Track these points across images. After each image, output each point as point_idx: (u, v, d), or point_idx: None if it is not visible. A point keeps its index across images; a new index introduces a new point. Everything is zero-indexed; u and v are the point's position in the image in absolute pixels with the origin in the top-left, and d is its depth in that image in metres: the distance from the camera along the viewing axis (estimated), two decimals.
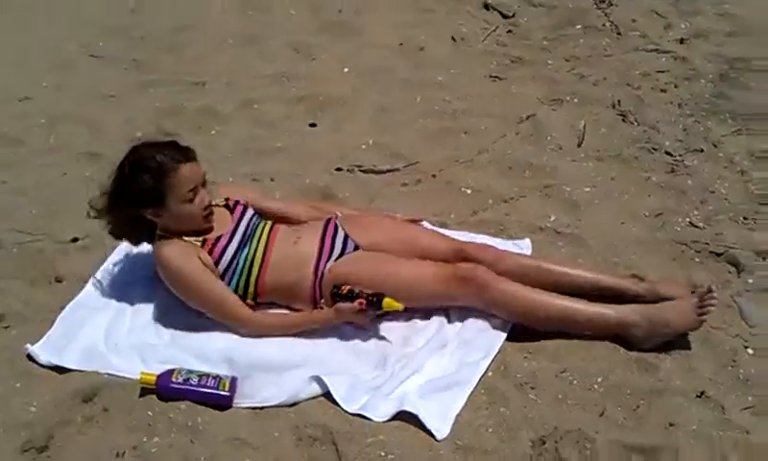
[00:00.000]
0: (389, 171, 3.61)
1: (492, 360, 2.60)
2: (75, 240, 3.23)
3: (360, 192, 3.49)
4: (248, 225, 2.89)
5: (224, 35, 4.93)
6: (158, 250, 2.79)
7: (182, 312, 2.82)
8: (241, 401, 2.51)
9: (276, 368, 2.61)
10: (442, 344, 2.69)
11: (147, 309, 2.91)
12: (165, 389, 2.50)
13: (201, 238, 2.81)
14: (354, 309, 2.65)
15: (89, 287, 3.01)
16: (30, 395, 2.53)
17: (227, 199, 2.96)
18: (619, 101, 4.05)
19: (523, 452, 2.31)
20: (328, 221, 2.94)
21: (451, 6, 5.17)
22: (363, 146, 3.83)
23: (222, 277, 2.78)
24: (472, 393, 2.50)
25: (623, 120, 3.92)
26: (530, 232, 3.19)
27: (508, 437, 2.36)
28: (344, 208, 3.16)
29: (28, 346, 2.70)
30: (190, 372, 2.55)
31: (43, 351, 2.70)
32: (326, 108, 4.18)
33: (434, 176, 3.59)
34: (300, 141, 3.92)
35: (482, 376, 2.55)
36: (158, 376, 2.51)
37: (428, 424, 2.39)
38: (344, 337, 2.74)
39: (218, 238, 2.81)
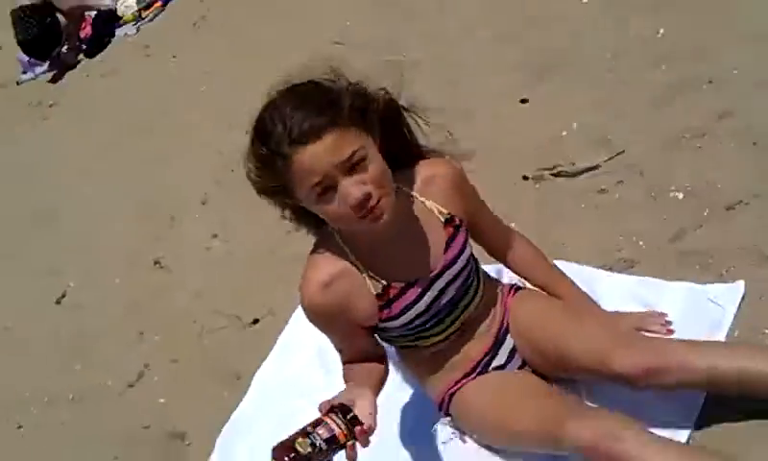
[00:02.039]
0: (587, 170, 2.74)
1: None
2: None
3: (538, 210, 2.69)
4: (458, 281, 1.92)
5: None
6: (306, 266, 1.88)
7: None
8: None
9: None
10: None
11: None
12: None
13: (382, 282, 1.83)
14: None
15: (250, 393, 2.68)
16: None
17: (449, 213, 1.89)
18: None
19: None
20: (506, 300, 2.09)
21: None
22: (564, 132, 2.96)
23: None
24: None
25: None
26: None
27: None
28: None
29: None
30: None
31: None
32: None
33: (641, 173, 2.62)
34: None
35: None
36: None
37: None
38: None
39: (410, 285, 1.86)
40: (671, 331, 2.05)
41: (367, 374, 1.89)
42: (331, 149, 1.60)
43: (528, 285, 2.15)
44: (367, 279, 1.82)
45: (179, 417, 2.76)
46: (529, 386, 1.98)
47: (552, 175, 2.79)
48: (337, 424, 1.56)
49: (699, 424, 1.86)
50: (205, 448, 2.58)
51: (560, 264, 2.39)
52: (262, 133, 1.66)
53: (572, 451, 1.78)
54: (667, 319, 2.09)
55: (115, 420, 2.90)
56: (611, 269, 2.34)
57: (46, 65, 6.40)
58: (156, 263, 3.56)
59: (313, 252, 1.85)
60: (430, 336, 1.95)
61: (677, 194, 2.45)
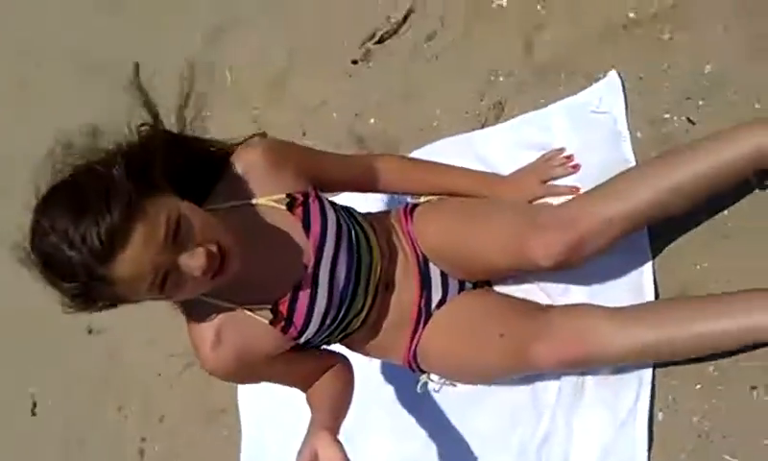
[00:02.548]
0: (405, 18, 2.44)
1: (651, 398, 1.70)
2: None
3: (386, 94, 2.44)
4: (342, 252, 1.69)
5: None
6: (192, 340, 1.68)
7: None
8: None
9: None
10: (577, 387, 1.82)
11: None
12: None
13: (267, 307, 1.62)
14: None
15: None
16: None
17: (286, 194, 1.64)
18: None
19: None
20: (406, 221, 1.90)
21: None
22: None
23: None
24: None
25: None
26: None
27: None
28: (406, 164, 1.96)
29: None
30: None
31: None
32: None
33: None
34: None
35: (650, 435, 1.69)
36: None
37: None
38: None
39: (296, 291, 1.64)
40: (576, 166, 1.89)
41: (325, 394, 1.73)
42: (145, 241, 1.34)
43: (420, 199, 1.95)
44: (250, 313, 1.61)
45: None
46: (476, 315, 1.83)
47: (376, 43, 2.50)
48: None
49: (657, 261, 1.74)
50: None
51: (434, 147, 2.21)
52: (57, 267, 1.36)
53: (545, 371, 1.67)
54: (566, 154, 1.92)
55: None
56: (485, 123, 2.13)
57: None
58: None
59: (187, 321, 1.63)
60: (353, 319, 1.75)
61: (501, 2, 2.20)
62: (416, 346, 1.85)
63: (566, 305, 1.72)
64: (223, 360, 1.63)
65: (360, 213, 1.84)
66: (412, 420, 2.13)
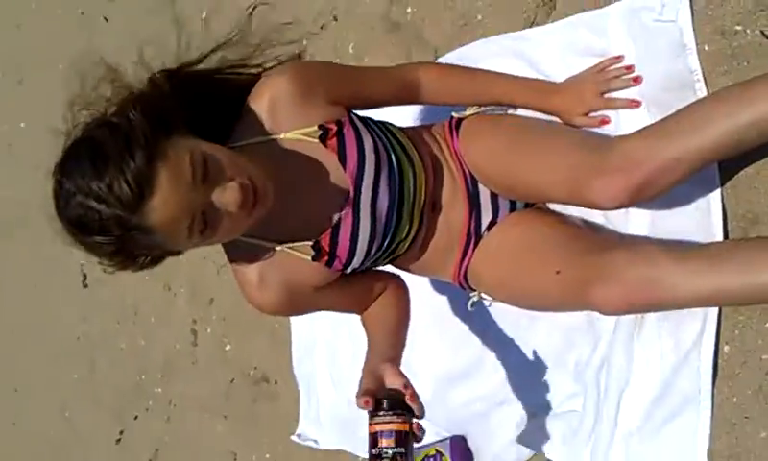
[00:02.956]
0: None
1: (717, 331, 1.64)
2: None
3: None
4: (383, 176, 1.60)
5: None
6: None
7: None
8: None
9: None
10: (637, 318, 1.74)
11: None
12: None
13: (308, 243, 1.58)
14: None
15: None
16: None
17: (318, 124, 1.55)
18: None
19: None
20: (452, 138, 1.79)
21: None
22: None
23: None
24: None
25: None
26: None
27: None
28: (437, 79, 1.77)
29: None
30: None
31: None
32: None
33: None
34: None
35: (715, 373, 1.65)
36: None
37: None
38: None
39: (337, 225, 1.59)
40: (638, 79, 1.76)
41: (382, 322, 1.72)
42: (174, 182, 1.31)
43: (466, 112, 1.83)
44: (292, 252, 1.57)
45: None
46: (530, 244, 1.73)
47: None
48: (388, 422, 1.43)
49: (726, 189, 1.64)
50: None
51: (475, 47, 2.07)
52: (89, 225, 1.31)
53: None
54: (626, 64, 1.78)
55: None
56: (534, 22, 1.97)
57: None
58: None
59: (231, 261, 1.62)
60: (399, 244, 1.70)
61: None
62: (466, 267, 1.80)
63: (631, 245, 1.62)
64: (269, 299, 1.61)
65: (400, 129, 1.72)
66: (464, 331, 2.12)
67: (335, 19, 2.49)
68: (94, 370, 3.78)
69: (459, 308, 2.10)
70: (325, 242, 1.57)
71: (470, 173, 1.77)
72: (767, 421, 1.58)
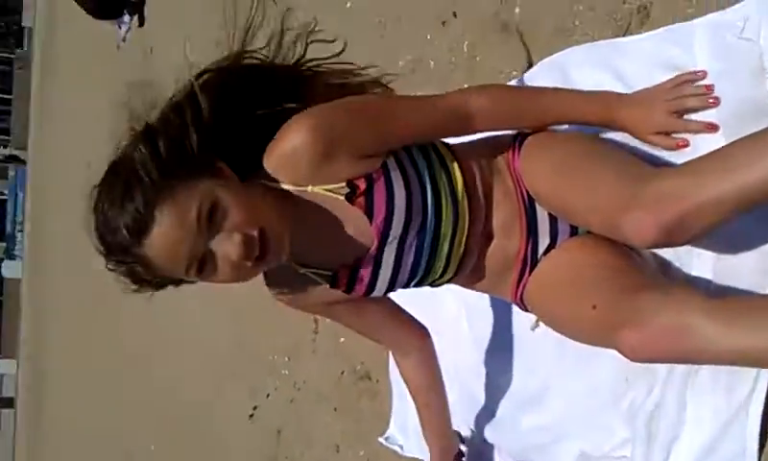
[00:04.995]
0: None
1: None
2: None
3: None
4: (413, 229, 1.54)
5: None
6: None
7: None
8: None
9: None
10: (692, 367, 1.56)
11: None
12: None
13: (326, 273, 1.57)
14: None
15: None
16: None
17: (344, 181, 1.48)
18: None
19: None
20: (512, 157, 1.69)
21: None
22: None
23: None
24: None
25: None
26: None
27: None
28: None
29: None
30: None
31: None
32: None
33: None
34: None
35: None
36: None
37: None
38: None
39: (356, 268, 1.57)
40: (716, 101, 1.55)
41: (425, 391, 1.92)
42: (175, 225, 1.33)
43: None
44: (308, 273, 1.56)
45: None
46: (577, 275, 1.60)
47: None
48: None
49: None
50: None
51: (568, 54, 1.94)
52: (105, 245, 1.41)
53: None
54: (705, 82, 1.58)
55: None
56: (627, 28, 1.81)
57: (126, 17, 6.34)
58: None
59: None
60: (433, 282, 1.68)
61: None
62: (522, 290, 1.69)
63: (669, 287, 1.45)
64: (282, 300, 1.66)
65: (449, 149, 1.62)
66: (535, 354, 2.01)
67: (455, 15, 2.44)
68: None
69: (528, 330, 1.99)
70: (344, 276, 1.56)
71: (528, 194, 1.66)
72: None
